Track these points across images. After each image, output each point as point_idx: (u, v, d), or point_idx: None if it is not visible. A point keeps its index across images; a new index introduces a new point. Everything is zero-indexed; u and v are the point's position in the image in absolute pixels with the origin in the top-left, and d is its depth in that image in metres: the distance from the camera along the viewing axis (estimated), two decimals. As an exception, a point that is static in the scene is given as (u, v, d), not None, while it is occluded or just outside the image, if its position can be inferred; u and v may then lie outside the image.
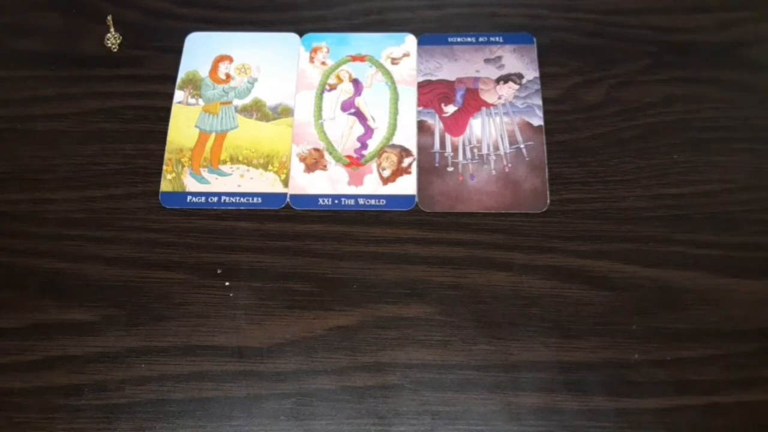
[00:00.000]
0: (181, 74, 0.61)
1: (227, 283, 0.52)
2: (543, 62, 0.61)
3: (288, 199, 0.56)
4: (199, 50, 0.62)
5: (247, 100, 0.60)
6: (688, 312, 0.51)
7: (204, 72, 0.61)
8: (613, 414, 0.48)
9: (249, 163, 0.57)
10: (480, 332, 0.50)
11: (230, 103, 0.60)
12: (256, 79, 0.61)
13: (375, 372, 0.49)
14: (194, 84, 0.61)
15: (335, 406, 0.48)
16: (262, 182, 0.57)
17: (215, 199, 0.56)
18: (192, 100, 0.60)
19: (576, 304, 0.51)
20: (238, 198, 0.56)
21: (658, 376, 0.49)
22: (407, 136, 0.58)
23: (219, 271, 0.53)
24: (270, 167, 0.57)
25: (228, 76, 0.61)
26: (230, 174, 0.57)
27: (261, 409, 0.48)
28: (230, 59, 0.62)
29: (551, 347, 0.50)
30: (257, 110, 0.60)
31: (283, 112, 0.59)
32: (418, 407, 0.48)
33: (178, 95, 0.60)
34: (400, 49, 0.62)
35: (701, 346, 0.50)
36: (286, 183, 0.56)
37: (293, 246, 0.54)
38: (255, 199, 0.56)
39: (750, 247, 0.53)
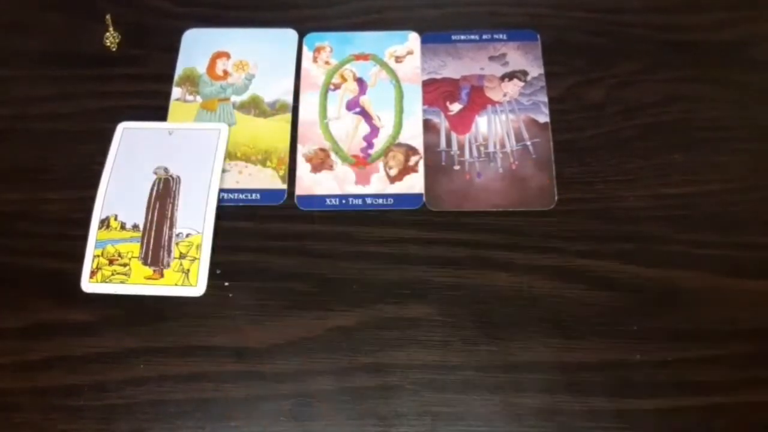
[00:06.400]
0: (179, 71, 0.61)
1: (227, 283, 0.52)
2: (544, 61, 0.60)
3: (287, 196, 0.56)
4: (197, 47, 0.62)
5: (245, 97, 0.60)
6: (688, 312, 0.51)
7: (201, 69, 0.61)
8: (614, 415, 0.48)
9: (247, 160, 0.57)
10: (481, 333, 0.50)
11: (228, 99, 0.60)
12: (253, 76, 0.61)
13: (375, 373, 0.49)
14: (192, 81, 0.61)
15: (335, 407, 0.48)
16: (261, 178, 0.56)
17: (214, 196, 0.56)
18: (190, 97, 0.60)
19: (577, 304, 0.51)
20: (236, 194, 0.56)
21: (658, 376, 0.49)
22: (413, 135, 0.58)
23: (218, 272, 0.53)
24: (268, 163, 0.57)
25: (226, 72, 0.61)
26: (228, 170, 0.57)
27: (260, 410, 0.48)
28: (228, 56, 0.62)
29: (552, 348, 0.50)
30: (255, 106, 0.59)
31: (281, 108, 0.59)
32: (419, 408, 0.48)
33: (176, 92, 0.60)
34: (404, 48, 0.61)
35: (702, 346, 0.50)
36: (284, 179, 0.56)
37: (294, 246, 0.54)
38: (253, 195, 0.56)
39: (750, 247, 0.53)
